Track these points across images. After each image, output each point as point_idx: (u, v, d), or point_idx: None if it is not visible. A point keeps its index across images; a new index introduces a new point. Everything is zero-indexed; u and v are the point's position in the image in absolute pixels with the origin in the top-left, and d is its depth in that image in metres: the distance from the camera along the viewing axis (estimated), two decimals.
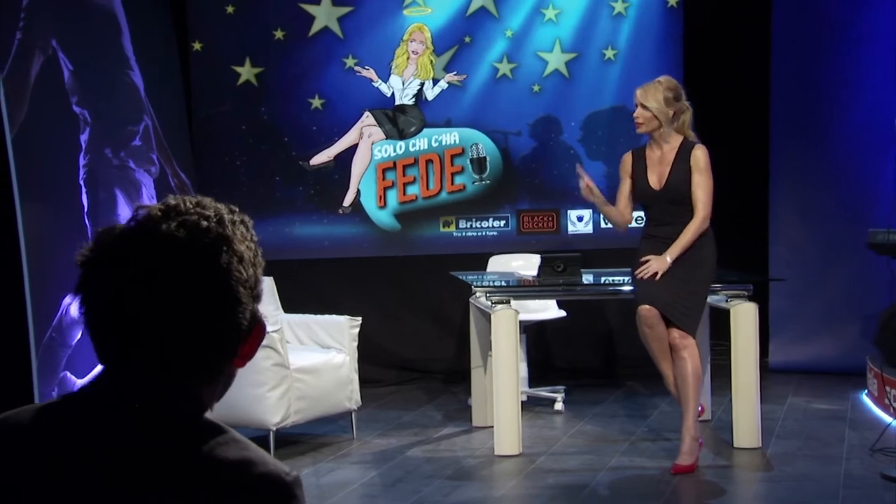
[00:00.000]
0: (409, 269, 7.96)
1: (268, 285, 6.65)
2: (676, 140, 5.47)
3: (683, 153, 5.42)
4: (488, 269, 7.17)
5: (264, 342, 5.72)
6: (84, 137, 6.13)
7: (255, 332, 1.39)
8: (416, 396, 7.44)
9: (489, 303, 5.81)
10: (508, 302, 5.75)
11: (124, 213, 6.38)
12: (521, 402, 5.85)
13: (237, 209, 1.42)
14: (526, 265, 6.92)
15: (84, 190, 6.09)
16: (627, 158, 5.63)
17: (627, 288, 5.80)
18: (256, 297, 1.38)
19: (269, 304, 6.48)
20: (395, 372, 7.88)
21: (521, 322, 5.88)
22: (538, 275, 6.06)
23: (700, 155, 5.42)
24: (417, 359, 7.94)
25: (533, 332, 7.52)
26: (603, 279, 6.36)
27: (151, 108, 6.75)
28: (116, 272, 1.32)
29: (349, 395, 6.12)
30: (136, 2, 6.75)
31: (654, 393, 7.16)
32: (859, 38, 7.82)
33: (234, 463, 1.30)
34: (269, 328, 5.69)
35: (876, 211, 7.46)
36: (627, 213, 5.58)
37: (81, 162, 6.09)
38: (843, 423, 6.34)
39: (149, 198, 6.64)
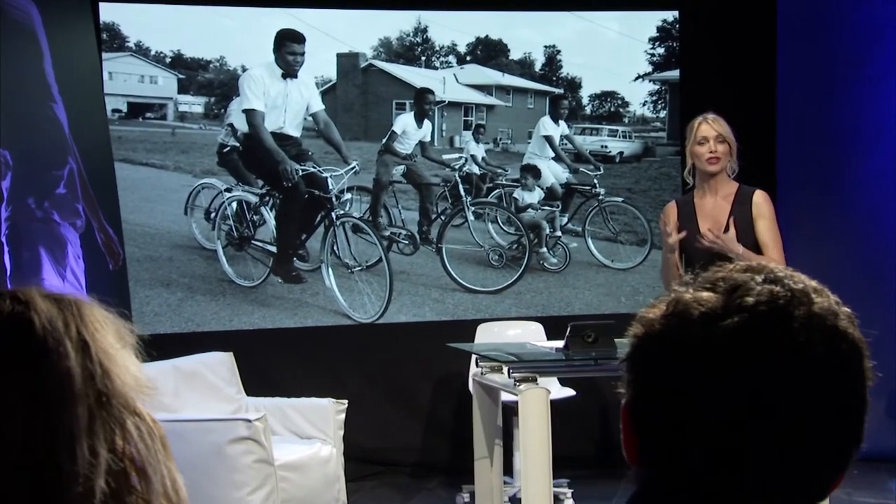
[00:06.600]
0: (366, 340, 7.69)
1: (225, 361, 6.33)
2: (731, 185, 5.43)
3: (742, 199, 5.39)
4: (477, 339, 6.97)
5: (245, 434, 5.38)
6: (6, 185, 5.75)
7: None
8: (387, 495, 7.14)
9: (511, 380, 5.57)
10: (535, 380, 5.53)
11: (49, 276, 5.98)
12: (519, 498, 5.65)
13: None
14: (525, 334, 6.76)
15: (6, 249, 5.69)
16: (672, 209, 5.55)
17: None
18: None
19: (231, 386, 6.14)
20: (352, 465, 7.54)
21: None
22: (566, 346, 5.85)
23: (762, 201, 5.39)
24: (378, 449, 7.61)
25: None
26: None
27: (76, 149, 6.37)
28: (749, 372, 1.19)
29: (336, 495, 5.83)
30: (58, 20, 6.38)
31: None
32: (875, 77, 7.92)
33: None
34: (251, 416, 5.37)
35: None
36: (681, 269, 5.45)
37: (3, 214, 5.71)
38: None
39: (74, 257, 6.25)
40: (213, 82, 7.72)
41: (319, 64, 7.71)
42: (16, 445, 1.09)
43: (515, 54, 8.04)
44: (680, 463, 1.21)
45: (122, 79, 7.52)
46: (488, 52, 8.00)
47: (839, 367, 1.20)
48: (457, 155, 8.01)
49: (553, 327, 6.83)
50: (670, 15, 8.08)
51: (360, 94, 7.88)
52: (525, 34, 8.05)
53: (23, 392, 1.11)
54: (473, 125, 8.07)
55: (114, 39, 7.41)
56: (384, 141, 7.84)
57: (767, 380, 1.17)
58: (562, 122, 8.07)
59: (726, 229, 5.36)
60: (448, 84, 7.94)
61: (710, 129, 5.39)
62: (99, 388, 1.16)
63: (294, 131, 7.60)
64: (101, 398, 1.16)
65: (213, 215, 7.59)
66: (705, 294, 1.22)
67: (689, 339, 1.20)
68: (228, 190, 7.60)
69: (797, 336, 1.18)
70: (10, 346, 1.13)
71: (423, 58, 7.92)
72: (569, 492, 6.71)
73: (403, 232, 7.89)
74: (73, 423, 1.12)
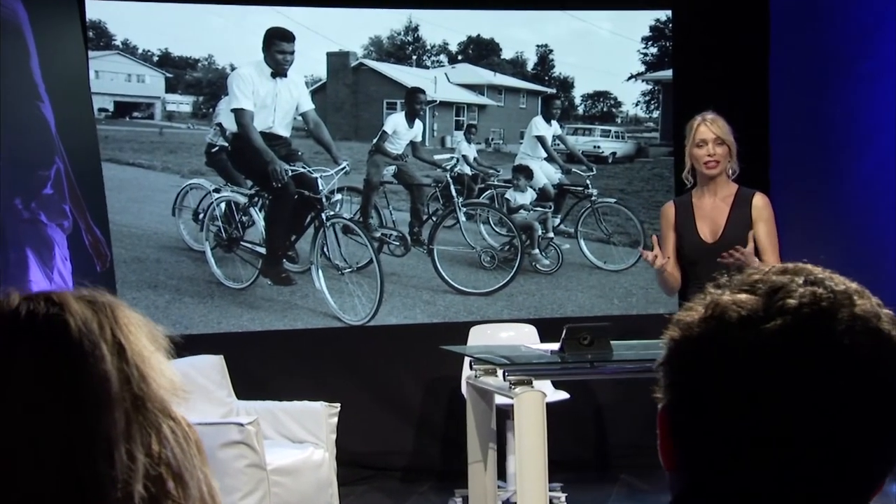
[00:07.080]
0: (356, 342, 7.68)
1: (216, 364, 6.32)
2: (731, 186, 5.46)
3: (741, 201, 5.42)
4: (470, 342, 6.98)
5: (237, 438, 5.36)
6: None
7: None
8: (379, 499, 7.13)
9: (506, 383, 5.57)
10: (530, 382, 5.53)
11: (36, 278, 5.96)
12: (513, 503, 5.65)
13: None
14: (518, 336, 6.74)
15: None
16: (670, 209, 5.57)
17: None
18: None
19: (221, 389, 6.13)
20: (342, 469, 7.52)
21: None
22: (562, 349, 5.85)
23: (763, 205, 5.43)
24: (369, 453, 7.60)
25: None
26: (639, 353, 6.19)
27: (63, 148, 6.36)
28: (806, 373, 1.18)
29: (328, 499, 5.82)
30: (44, 18, 6.36)
31: (659, 489, 7.03)
32: (869, 74, 7.92)
33: None
34: (243, 420, 5.36)
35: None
36: (678, 273, 5.48)
37: None
38: None
39: (62, 259, 6.23)
40: (202, 81, 7.69)
41: (309, 63, 7.70)
42: (54, 450, 1.09)
43: (507, 54, 8.03)
44: (719, 468, 1.20)
45: (109, 77, 7.49)
46: (480, 51, 7.99)
47: (883, 368, 1.18)
48: (448, 155, 8.01)
49: (546, 329, 6.84)
50: (663, 14, 8.09)
51: (351, 94, 7.86)
52: (517, 33, 8.05)
53: (60, 396, 1.10)
54: (465, 125, 8.06)
55: (100, 37, 7.38)
56: (375, 141, 7.82)
57: (810, 383, 1.16)
58: (554, 123, 8.07)
59: (727, 233, 5.37)
60: (439, 83, 7.93)
61: (708, 132, 5.41)
62: (135, 392, 1.15)
63: (283, 131, 7.58)
64: (137, 402, 1.15)
65: (201, 216, 7.57)
66: (744, 296, 1.21)
67: (729, 343, 1.19)
68: (217, 190, 7.57)
69: (841, 338, 1.17)
70: (47, 349, 1.12)
71: (414, 57, 7.91)
72: (563, 496, 6.71)
73: (394, 233, 7.88)
74: (111, 428, 1.11)
